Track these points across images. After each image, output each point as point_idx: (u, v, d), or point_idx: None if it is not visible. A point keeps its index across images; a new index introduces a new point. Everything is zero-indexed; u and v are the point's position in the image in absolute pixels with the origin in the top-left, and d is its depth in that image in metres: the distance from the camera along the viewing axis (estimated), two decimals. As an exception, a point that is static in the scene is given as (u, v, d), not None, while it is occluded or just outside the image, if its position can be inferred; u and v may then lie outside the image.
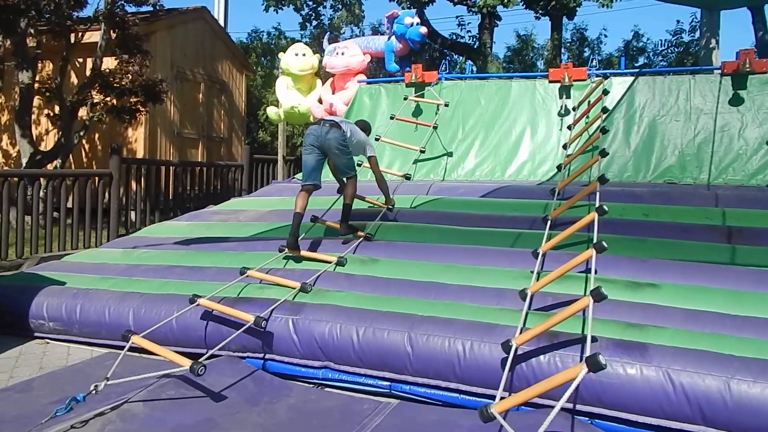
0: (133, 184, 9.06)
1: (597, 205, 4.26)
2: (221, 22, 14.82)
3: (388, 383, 3.76)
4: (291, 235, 4.89)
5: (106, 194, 8.20)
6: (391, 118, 7.59)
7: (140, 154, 11.12)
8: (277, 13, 15.70)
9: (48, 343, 4.66)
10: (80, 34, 10.22)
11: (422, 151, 7.27)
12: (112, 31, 9.77)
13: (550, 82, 7.50)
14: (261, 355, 4.08)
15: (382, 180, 5.54)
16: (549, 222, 4.86)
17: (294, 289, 4.34)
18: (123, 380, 3.46)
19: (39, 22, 9.24)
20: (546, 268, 4.19)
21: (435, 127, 7.51)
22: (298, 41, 12.32)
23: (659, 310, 3.66)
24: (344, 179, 5.27)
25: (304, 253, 4.93)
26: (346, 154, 5.11)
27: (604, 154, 5.44)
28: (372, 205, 5.93)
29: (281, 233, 5.32)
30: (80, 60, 11.15)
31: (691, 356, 3.15)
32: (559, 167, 6.52)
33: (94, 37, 10.21)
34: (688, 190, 5.99)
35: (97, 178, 8.21)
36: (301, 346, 3.96)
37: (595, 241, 3.84)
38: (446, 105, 7.64)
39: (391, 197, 5.73)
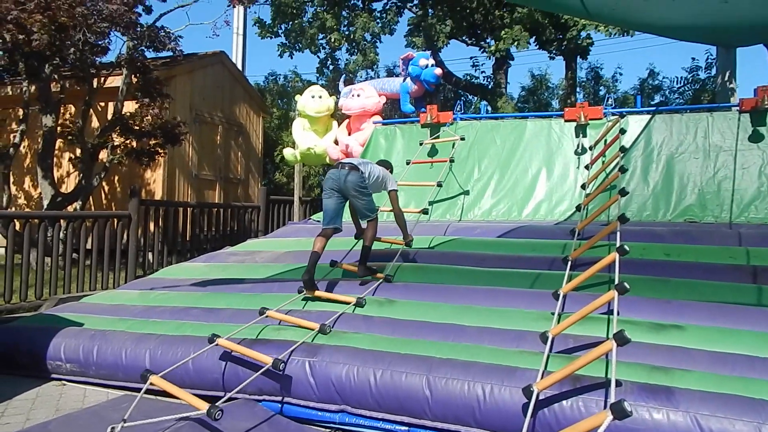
0: (151, 226, 9.15)
1: (618, 244, 4.22)
2: (239, 66, 15.20)
3: (406, 428, 3.69)
4: (307, 272, 4.87)
5: (125, 235, 8.27)
6: (407, 163, 7.65)
7: (159, 196, 11.29)
8: (291, 57, 16.01)
9: (65, 384, 4.66)
10: (102, 79, 10.52)
11: (440, 185, 7.28)
12: (133, 75, 10.03)
13: (566, 121, 7.52)
14: (278, 398, 4.04)
15: (400, 215, 5.57)
16: (569, 262, 4.81)
17: (313, 330, 4.33)
18: (139, 422, 3.42)
19: (63, 68, 9.48)
20: (567, 310, 4.14)
21: (452, 161, 7.53)
22: (315, 84, 12.51)
23: (685, 352, 3.59)
24: (365, 222, 5.27)
25: (322, 293, 4.92)
26: (365, 195, 5.14)
27: (623, 193, 5.42)
28: (390, 245, 5.94)
29: (298, 274, 5.32)
30: (102, 104, 11.44)
31: (719, 401, 3.07)
32: (578, 207, 6.48)
33: (115, 81, 10.51)
34: (710, 228, 5.93)
35: (116, 220, 8.30)
36: (317, 389, 3.92)
37: (616, 281, 3.81)
38: (462, 139, 7.68)
39: (409, 234, 5.72)
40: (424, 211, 6.72)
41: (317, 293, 4.92)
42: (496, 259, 5.49)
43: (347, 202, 5.22)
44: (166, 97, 10.19)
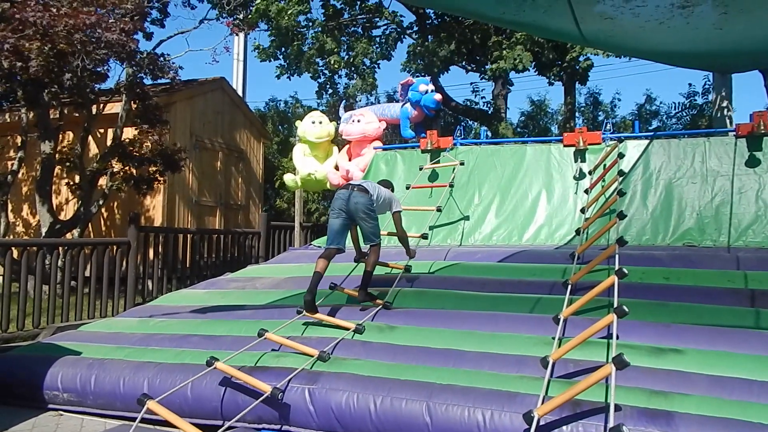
0: (151, 253, 9.16)
1: (616, 268, 4.26)
2: (240, 92, 15.34)
3: (406, 455, 3.64)
4: (308, 292, 4.91)
5: (124, 263, 8.29)
6: (407, 188, 7.70)
7: (158, 222, 11.30)
8: (290, 80, 16.09)
9: (62, 415, 4.64)
10: (101, 105, 10.61)
11: (439, 210, 7.31)
12: (132, 102, 10.11)
13: (565, 146, 7.56)
14: (278, 427, 4.04)
15: (403, 236, 5.68)
16: (569, 286, 4.85)
17: (312, 356, 4.34)
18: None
19: (61, 95, 9.57)
20: (567, 334, 4.18)
21: (451, 186, 7.57)
22: (315, 110, 12.63)
23: (684, 376, 3.62)
24: (368, 245, 5.30)
25: (322, 317, 4.94)
26: (372, 219, 5.19)
27: (621, 216, 5.49)
28: (390, 269, 5.98)
29: (298, 300, 5.33)
30: (101, 130, 11.51)
31: (719, 425, 3.09)
32: (577, 231, 6.52)
33: (115, 108, 10.60)
34: (709, 252, 5.97)
35: (114, 247, 8.33)
36: (317, 417, 3.93)
37: (615, 305, 3.83)
38: (462, 164, 7.74)
39: (413, 249, 5.84)
40: (424, 236, 6.75)
41: (317, 315, 4.94)
42: (497, 283, 5.51)
43: (352, 224, 5.27)
44: (166, 123, 10.27)
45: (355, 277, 5.71)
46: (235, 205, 13.55)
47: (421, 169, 8.01)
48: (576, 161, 7.51)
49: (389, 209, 5.56)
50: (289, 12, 13.35)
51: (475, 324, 4.61)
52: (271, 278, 6.70)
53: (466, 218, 7.56)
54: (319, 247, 7.94)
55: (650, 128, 19.01)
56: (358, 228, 5.46)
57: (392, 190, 5.91)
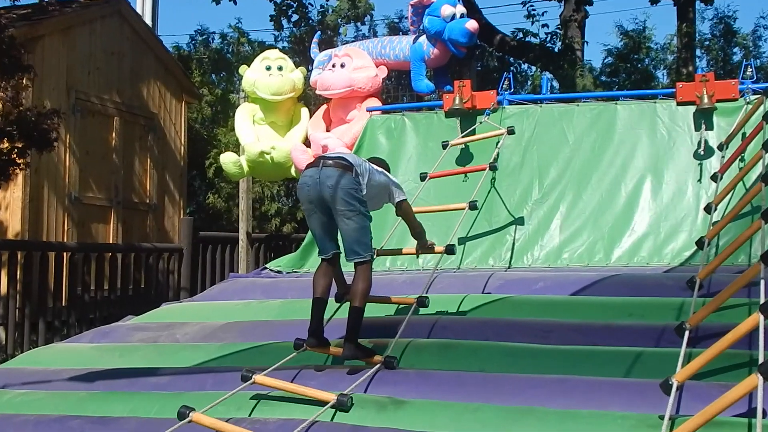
0: (3, 282, 9.06)
1: (762, 301, 4.10)
2: (148, 20, 14.93)
3: None
4: (311, 329, 5.10)
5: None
6: (422, 178, 7.56)
7: (15, 233, 10.97)
8: (236, 2, 15.40)
9: None
10: None
11: (474, 207, 7.03)
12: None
13: (679, 103, 7.52)
14: None
15: (417, 228, 5.87)
16: (687, 333, 4.71)
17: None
18: None
19: None
20: (684, 410, 4.08)
21: (493, 168, 7.41)
22: (272, 47, 12.17)
23: None
24: (352, 262, 5.21)
25: (286, 385, 4.82)
26: (358, 214, 5.09)
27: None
28: (396, 306, 6.02)
29: (247, 360, 5.35)
30: None
31: None
32: (700, 242, 6.37)
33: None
34: None
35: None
36: None
37: (761, 360, 3.71)
38: (511, 132, 7.62)
39: (431, 243, 6.01)
40: (450, 251, 6.46)
41: (332, 350, 5.19)
42: (571, 330, 5.48)
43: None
44: (27, 70, 9.82)
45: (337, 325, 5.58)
46: (142, 205, 13.35)
47: (445, 146, 7.83)
48: (698, 129, 7.40)
49: (388, 199, 5.62)
50: None
51: (536, 396, 4.51)
52: (199, 324, 6.60)
53: (519, 223, 7.45)
54: (279, 272, 7.95)
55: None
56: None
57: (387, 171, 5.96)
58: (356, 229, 5.08)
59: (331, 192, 5.01)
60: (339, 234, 5.36)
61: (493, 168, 7.40)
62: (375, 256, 5.40)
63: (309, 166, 5.30)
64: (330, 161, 5.13)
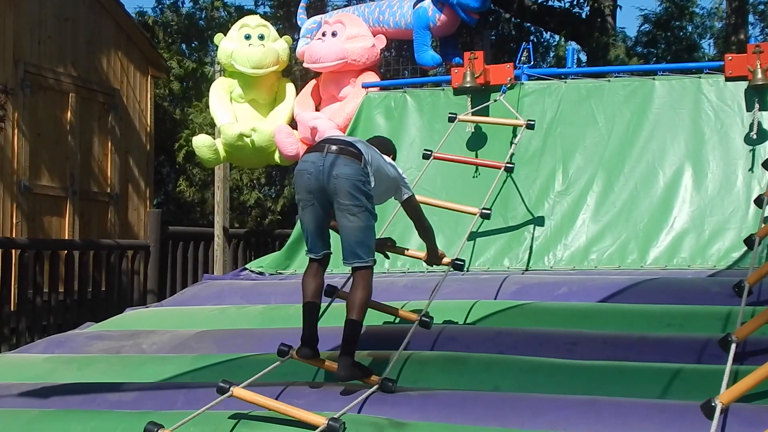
0: None
1: None
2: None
3: None
4: (304, 338, 5.11)
5: None
6: (426, 156, 7.45)
7: None
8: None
9: None
10: None
11: (485, 216, 6.98)
12: None
13: (728, 79, 7.46)
14: None
15: (427, 229, 5.84)
16: (733, 347, 4.69)
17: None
18: None
19: None
20: None
21: (509, 170, 7.34)
22: (251, 13, 12.21)
23: None
24: (350, 266, 5.21)
25: (270, 403, 4.75)
26: (363, 210, 5.09)
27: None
28: (394, 318, 5.90)
29: (223, 374, 5.23)
30: None
31: None
32: (749, 241, 6.30)
33: None
34: None
35: None
36: None
37: None
38: (531, 126, 7.50)
39: (441, 253, 5.99)
40: (458, 265, 6.31)
41: (327, 364, 5.16)
42: (598, 342, 5.46)
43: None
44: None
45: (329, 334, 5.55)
46: (102, 195, 13.31)
47: (452, 119, 7.73)
48: (750, 108, 7.38)
49: (393, 194, 5.62)
50: None
51: (559, 420, 4.47)
52: (169, 333, 6.62)
53: (538, 218, 7.44)
54: (260, 274, 7.96)
55: None
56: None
57: (394, 157, 5.92)
58: (360, 228, 5.07)
59: (335, 182, 5.02)
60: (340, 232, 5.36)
61: (508, 170, 7.32)
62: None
63: (311, 150, 5.30)
64: (336, 147, 5.11)
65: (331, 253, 5.34)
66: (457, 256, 6.46)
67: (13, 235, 11.15)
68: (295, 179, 5.27)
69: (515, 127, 7.61)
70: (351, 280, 5.46)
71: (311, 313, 5.13)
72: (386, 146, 5.85)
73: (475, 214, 6.86)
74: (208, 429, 4.73)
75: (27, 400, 5.49)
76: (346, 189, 4.98)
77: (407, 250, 6.27)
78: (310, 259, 5.27)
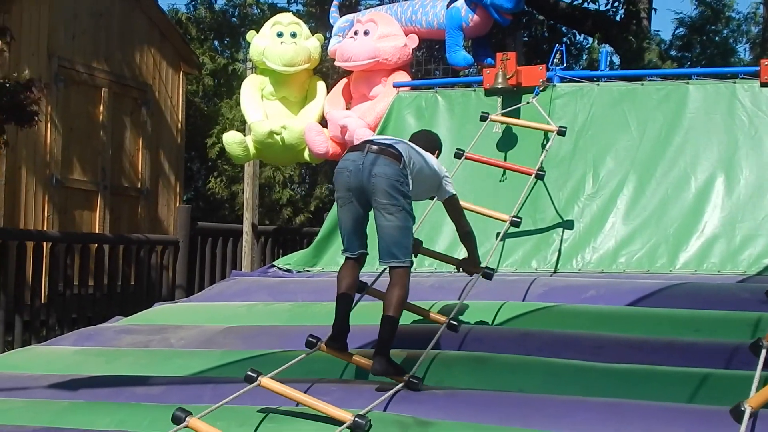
0: None
1: None
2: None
3: None
4: (337, 321, 5.15)
5: None
6: (458, 155, 7.41)
7: None
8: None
9: None
10: None
11: (515, 224, 6.95)
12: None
13: (764, 84, 7.43)
14: None
15: (468, 233, 5.88)
16: (764, 352, 4.63)
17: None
18: None
19: None
20: None
21: (540, 176, 7.31)
22: (284, 10, 12.25)
23: None
24: (385, 266, 5.28)
25: (297, 395, 4.77)
26: (401, 210, 5.12)
27: None
28: (423, 318, 5.85)
29: (247, 367, 5.11)
30: None
31: None
32: None
33: None
34: None
35: None
36: None
37: None
38: (562, 133, 7.51)
39: (478, 259, 6.00)
40: (487, 274, 6.34)
41: (355, 358, 5.20)
42: (625, 346, 5.44)
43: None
44: (4, 33, 9.91)
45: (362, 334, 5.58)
46: (133, 190, 13.39)
47: (485, 118, 7.72)
48: None
49: (435, 192, 5.69)
50: None
51: (584, 422, 4.45)
52: (197, 328, 6.66)
53: (568, 220, 7.42)
54: (288, 271, 7.97)
55: None
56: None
57: (439, 153, 5.97)
58: (397, 227, 5.10)
59: (374, 181, 5.06)
60: (352, 226, 5.38)
61: (539, 177, 7.28)
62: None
63: (352, 149, 5.36)
64: (376, 147, 5.16)
65: (368, 253, 5.36)
66: (486, 263, 6.48)
67: (45, 229, 11.23)
68: (335, 177, 5.30)
69: (546, 132, 7.62)
70: (380, 278, 5.57)
71: (344, 305, 5.17)
72: (432, 142, 5.88)
73: (506, 221, 6.83)
74: (234, 423, 4.76)
75: (56, 392, 5.55)
76: (384, 188, 5.02)
77: (439, 254, 6.27)
78: (345, 257, 5.30)
